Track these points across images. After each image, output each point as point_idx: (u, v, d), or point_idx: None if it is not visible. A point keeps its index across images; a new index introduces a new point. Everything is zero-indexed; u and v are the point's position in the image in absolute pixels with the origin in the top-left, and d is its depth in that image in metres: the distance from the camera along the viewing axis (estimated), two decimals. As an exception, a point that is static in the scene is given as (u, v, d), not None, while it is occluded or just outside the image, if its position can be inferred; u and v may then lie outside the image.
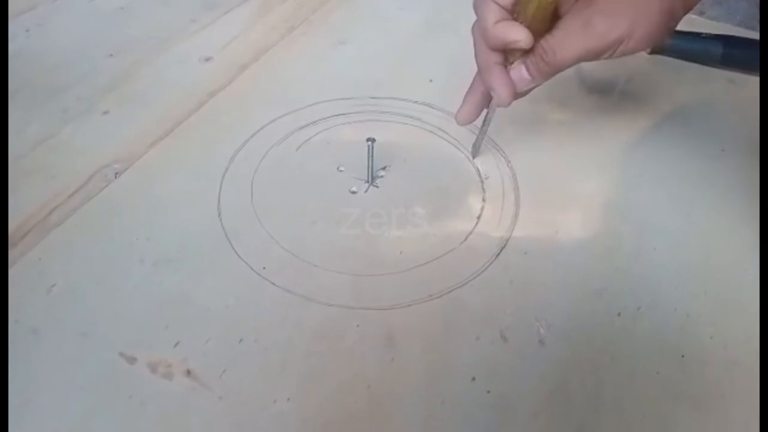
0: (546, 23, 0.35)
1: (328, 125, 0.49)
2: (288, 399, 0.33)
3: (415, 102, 0.51)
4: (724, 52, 0.53)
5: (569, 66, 0.36)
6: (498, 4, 0.35)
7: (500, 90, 0.38)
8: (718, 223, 0.43)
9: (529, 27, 0.35)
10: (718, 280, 0.39)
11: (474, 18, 0.38)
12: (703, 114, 0.51)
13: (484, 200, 0.44)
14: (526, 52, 0.37)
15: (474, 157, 0.47)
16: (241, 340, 0.35)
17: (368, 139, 0.42)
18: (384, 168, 0.46)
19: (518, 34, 0.35)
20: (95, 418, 0.32)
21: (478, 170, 0.46)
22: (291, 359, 0.34)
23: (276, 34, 0.59)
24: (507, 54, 0.38)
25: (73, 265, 0.38)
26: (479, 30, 0.37)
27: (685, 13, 0.37)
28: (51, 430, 0.31)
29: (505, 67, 0.38)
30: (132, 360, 0.34)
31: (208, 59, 0.56)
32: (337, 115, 0.50)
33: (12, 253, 0.39)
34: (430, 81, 0.54)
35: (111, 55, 0.56)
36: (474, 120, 0.43)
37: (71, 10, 0.61)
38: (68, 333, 0.35)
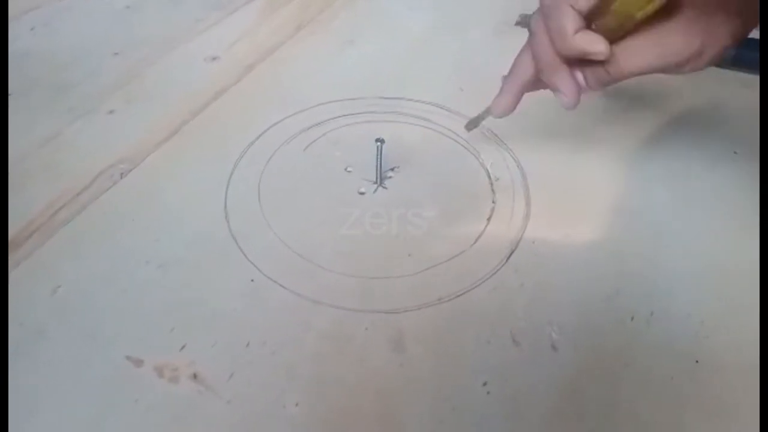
0: (621, 35, 0.34)
1: (335, 125, 0.49)
2: (296, 404, 0.32)
3: (424, 102, 0.51)
4: (737, 54, 0.53)
5: (627, 78, 0.35)
6: (575, 9, 0.33)
7: (569, 93, 0.36)
8: (732, 227, 0.42)
9: (604, 36, 0.34)
10: (732, 285, 0.39)
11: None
12: (715, 116, 0.51)
13: (494, 202, 0.43)
14: (584, 61, 0.35)
15: (468, 131, 0.45)
16: (248, 343, 0.35)
17: (377, 140, 0.42)
18: (392, 169, 0.45)
19: (602, 47, 0.33)
20: (101, 422, 0.31)
21: (488, 172, 0.45)
22: (299, 363, 0.34)
23: (283, 33, 0.59)
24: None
25: (79, 267, 0.38)
26: (552, 33, 0.35)
27: (746, 35, 0.35)
28: (56, 434, 0.31)
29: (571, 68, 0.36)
30: (138, 363, 0.33)
31: (214, 59, 0.55)
32: (344, 116, 0.50)
33: (17, 254, 0.38)
34: (441, 82, 0.53)
35: (116, 54, 0.55)
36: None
37: (77, 8, 0.61)
38: (74, 335, 0.35)
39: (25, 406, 0.31)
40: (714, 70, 0.55)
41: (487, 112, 0.43)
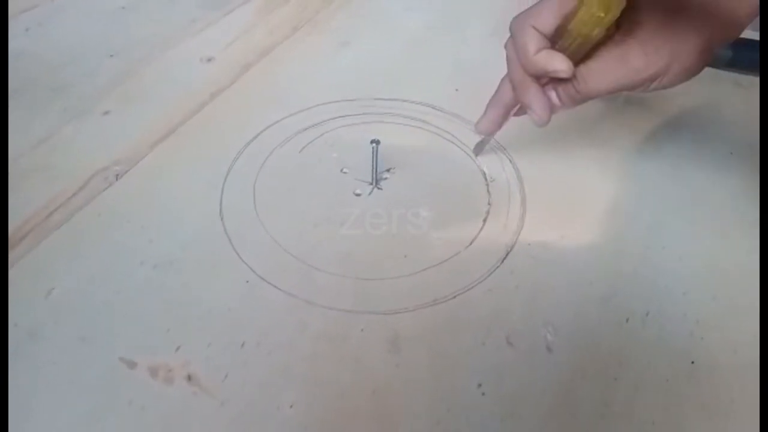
0: (583, 53, 0.35)
1: (331, 127, 0.49)
2: (291, 405, 0.32)
3: (420, 103, 0.51)
4: (734, 55, 0.53)
5: (600, 96, 0.36)
6: (538, 30, 0.35)
7: (539, 110, 0.37)
8: (727, 228, 0.42)
9: (567, 55, 0.35)
10: (727, 285, 0.39)
11: (502, 35, 0.37)
12: (711, 117, 0.51)
13: (489, 203, 0.43)
14: (558, 78, 0.36)
15: (476, 155, 0.46)
16: (243, 344, 0.34)
17: (372, 141, 0.42)
18: (388, 170, 0.45)
19: (560, 65, 0.34)
20: (95, 423, 0.31)
21: (484, 173, 0.45)
22: (294, 364, 0.34)
23: (279, 34, 0.59)
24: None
25: (73, 268, 0.38)
26: (519, 54, 0.36)
27: (714, 51, 0.36)
28: (49, 435, 0.31)
29: (542, 86, 0.37)
30: (132, 364, 0.33)
31: (210, 59, 0.55)
32: (340, 117, 0.50)
33: (11, 255, 0.38)
34: (437, 83, 0.53)
35: (112, 54, 0.55)
36: (496, 131, 0.42)
37: (72, 9, 0.61)
38: (68, 337, 0.34)
39: (20, 408, 0.31)
40: (709, 70, 0.54)
41: (488, 137, 0.44)
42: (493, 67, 0.41)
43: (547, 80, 0.37)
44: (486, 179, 0.45)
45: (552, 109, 0.38)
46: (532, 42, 0.35)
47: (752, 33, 0.57)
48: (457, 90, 0.52)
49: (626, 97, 0.53)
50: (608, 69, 0.35)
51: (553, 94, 0.37)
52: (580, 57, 0.35)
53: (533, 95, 0.37)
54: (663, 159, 0.47)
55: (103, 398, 0.32)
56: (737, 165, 0.46)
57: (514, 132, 0.47)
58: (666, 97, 0.53)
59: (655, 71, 0.35)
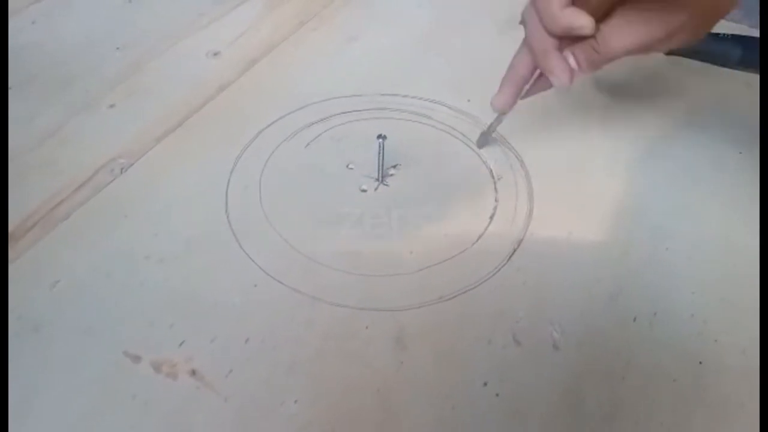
0: (603, 12, 0.35)
1: (337, 122, 0.48)
2: (295, 401, 0.32)
3: (427, 100, 0.51)
4: (743, 54, 0.52)
5: (618, 57, 0.36)
6: None
7: (561, 74, 0.37)
8: (736, 228, 0.42)
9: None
10: (737, 285, 0.38)
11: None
12: (719, 116, 0.51)
13: (496, 200, 0.43)
14: (574, 42, 0.36)
15: (480, 147, 0.46)
16: (247, 339, 0.34)
17: (379, 136, 0.42)
18: (395, 166, 0.45)
19: (585, 21, 0.34)
20: (98, 418, 0.31)
21: (491, 170, 0.45)
22: (299, 360, 0.34)
23: (286, 29, 0.59)
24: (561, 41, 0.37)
25: (78, 261, 0.38)
26: (541, 13, 0.36)
27: (730, 10, 0.36)
28: (52, 429, 0.30)
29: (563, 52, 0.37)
30: (136, 359, 0.33)
31: (216, 54, 0.55)
32: (347, 112, 0.49)
33: (16, 248, 0.38)
34: (444, 79, 0.53)
35: (118, 48, 0.55)
36: (512, 106, 0.42)
37: (79, 2, 0.61)
38: (71, 330, 0.34)
39: (22, 401, 0.31)
40: (717, 69, 0.54)
41: (492, 126, 0.44)
42: (501, 64, 0.41)
43: (563, 45, 0.37)
44: (493, 176, 0.45)
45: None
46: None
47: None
48: (464, 86, 0.52)
49: (635, 95, 0.52)
50: (628, 27, 0.35)
51: (571, 59, 0.37)
52: (602, 16, 0.35)
53: (555, 60, 0.37)
54: (672, 158, 0.46)
55: (107, 392, 0.32)
56: (746, 164, 0.46)
57: (521, 129, 0.47)
58: (676, 97, 0.52)
59: (677, 25, 0.34)
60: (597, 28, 0.35)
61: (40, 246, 0.38)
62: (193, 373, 0.33)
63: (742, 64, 0.53)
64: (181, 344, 0.34)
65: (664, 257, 0.40)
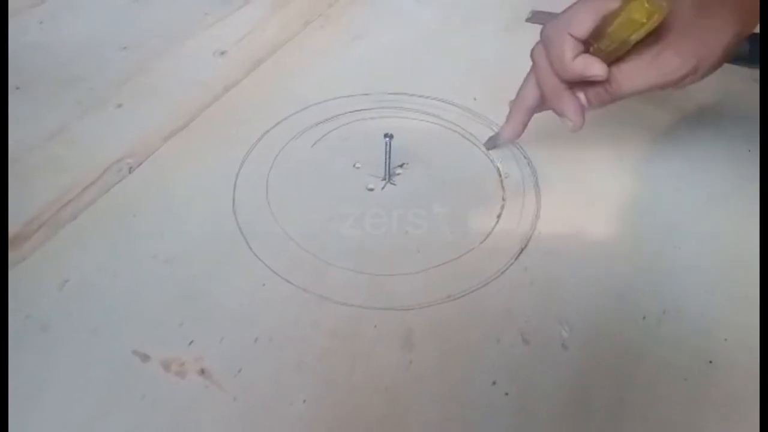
0: (616, 56, 0.35)
1: (344, 121, 0.48)
2: (304, 400, 0.32)
3: (433, 98, 0.50)
4: (752, 50, 0.52)
5: (627, 97, 0.36)
6: (574, 37, 0.35)
7: (573, 117, 0.37)
8: (745, 226, 0.41)
9: (601, 58, 0.35)
10: (747, 284, 0.38)
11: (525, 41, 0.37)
12: (729, 114, 0.50)
13: (504, 199, 0.43)
14: (585, 84, 0.36)
15: (488, 150, 0.46)
16: (256, 339, 0.34)
17: (386, 135, 0.42)
18: (401, 165, 0.45)
19: (599, 70, 0.35)
20: (106, 417, 0.31)
21: (498, 169, 0.45)
22: (307, 359, 0.34)
23: (291, 28, 0.59)
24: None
25: (86, 261, 0.38)
26: (554, 61, 0.36)
27: (738, 44, 0.37)
28: (60, 428, 0.31)
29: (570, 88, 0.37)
30: (145, 358, 0.33)
31: (222, 53, 0.55)
32: (353, 111, 0.49)
33: (24, 248, 0.38)
34: (451, 78, 0.53)
35: (125, 48, 0.55)
36: (521, 134, 0.42)
37: (86, 2, 0.61)
38: (80, 329, 0.34)
39: (31, 401, 0.31)
40: (726, 66, 0.54)
41: (501, 137, 0.44)
42: (506, 62, 0.41)
43: (574, 85, 0.37)
44: (500, 175, 0.44)
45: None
46: (569, 49, 0.35)
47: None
48: (471, 85, 0.52)
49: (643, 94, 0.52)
50: (640, 70, 0.35)
51: (582, 96, 0.37)
52: (613, 59, 0.35)
53: (567, 102, 0.37)
54: (680, 156, 0.46)
55: (116, 391, 0.32)
56: (755, 162, 0.46)
57: (529, 128, 0.47)
58: (683, 94, 0.52)
59: (686, 72, 0.35)
60: (608, 71, 0.35)
61: (47, 246, 0.38)
62: (202, 372, 0.33)
63: (752, 61, 0.53)
64: (189, 343, 0.34)
65: (673, 255, 0.40)
